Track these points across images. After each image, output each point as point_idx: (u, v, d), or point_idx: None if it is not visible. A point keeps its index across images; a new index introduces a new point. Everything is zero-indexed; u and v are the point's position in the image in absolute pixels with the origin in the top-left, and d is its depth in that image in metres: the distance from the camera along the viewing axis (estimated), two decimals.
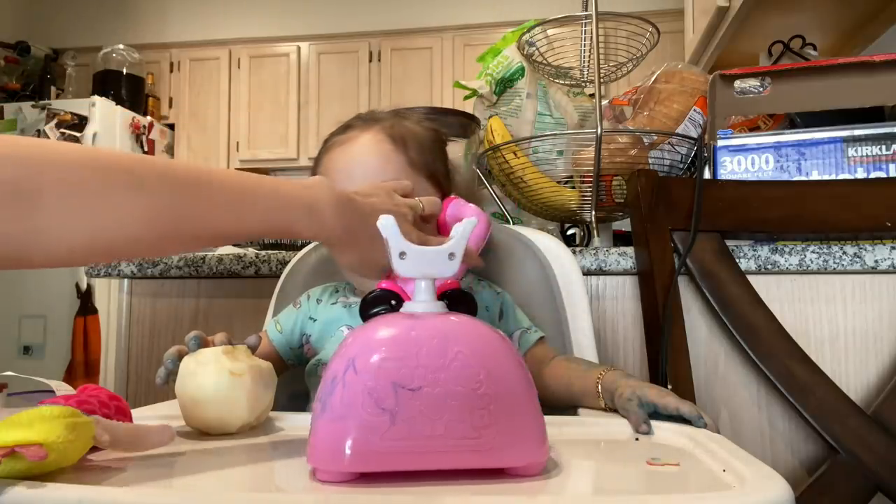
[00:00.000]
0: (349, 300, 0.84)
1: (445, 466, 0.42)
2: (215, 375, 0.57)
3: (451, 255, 0.49)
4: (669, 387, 0.95)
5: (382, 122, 0.84)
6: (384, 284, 0.57)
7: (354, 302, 0.83)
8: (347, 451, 0.41)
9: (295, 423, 0.62)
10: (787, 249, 1.01)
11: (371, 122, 0.84)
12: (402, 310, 0.49)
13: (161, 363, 0.64)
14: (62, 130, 3.44)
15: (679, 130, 1.18)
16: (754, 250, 1.02)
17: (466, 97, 1.48)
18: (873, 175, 1.05)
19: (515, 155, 1.23)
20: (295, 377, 0.85)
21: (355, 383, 0.42)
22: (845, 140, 1.07)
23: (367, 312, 0.58)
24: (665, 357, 0.96)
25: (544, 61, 1.32)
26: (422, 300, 0.48)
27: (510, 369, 0.45)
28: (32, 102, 3.53)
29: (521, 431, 0.44)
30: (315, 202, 0.60)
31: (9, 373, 0.67)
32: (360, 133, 0.83)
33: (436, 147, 0.87)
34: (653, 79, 1.25)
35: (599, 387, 0.68)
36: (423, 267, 0.48)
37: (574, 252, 1.00)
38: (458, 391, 0.42)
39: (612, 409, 0.66)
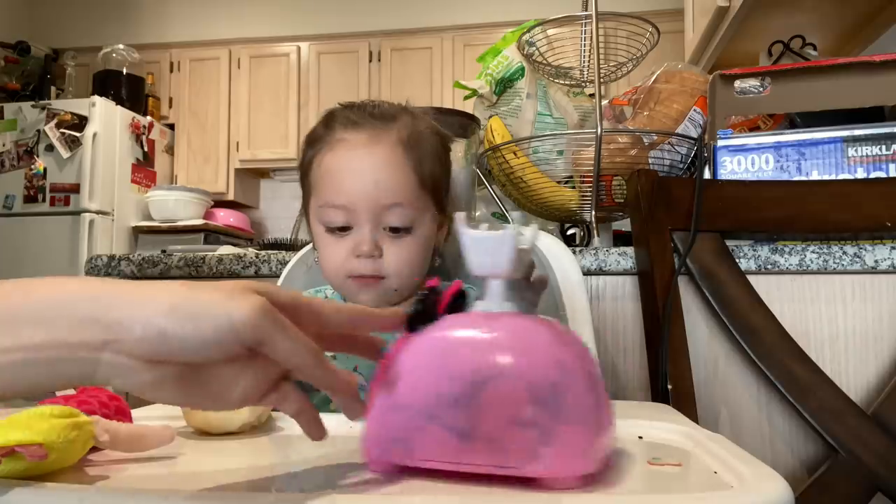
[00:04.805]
0: None
1: None
2: None
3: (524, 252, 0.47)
4: (670, 387, 0.95)
5: (397, 126, 0.78)
6: (432, 283, 0.49)
7: None
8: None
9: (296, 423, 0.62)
10: (787, 249, 1.01)
11: (385, 124, 0.78)
12: (475, 309, 0.47)
13: None
14: (62, 130, 3.45)
15: (679, 130, 1.18)
16: (754, 250, 1.02)
17: (466, 97, 1.48)
18: (873, 175, 1.05)
19: (515, 155, 1.23)
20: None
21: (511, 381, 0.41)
22: (845, 140, 1.07)
23: (428, 319, 0.46)
24: (665, 357, 0.96)
25: (544, 61, 1.32)
26: (499, 300, 0.46)
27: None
28: (32, 102, 3.54)
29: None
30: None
31: None
32: (374, 139, 0.77)
33: (444, 157, 0.83)
34: (653, 79, 1.25)
35: None
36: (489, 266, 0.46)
37: (574, 252, 1.00)
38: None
39: None
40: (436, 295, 0.46)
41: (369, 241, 0.76)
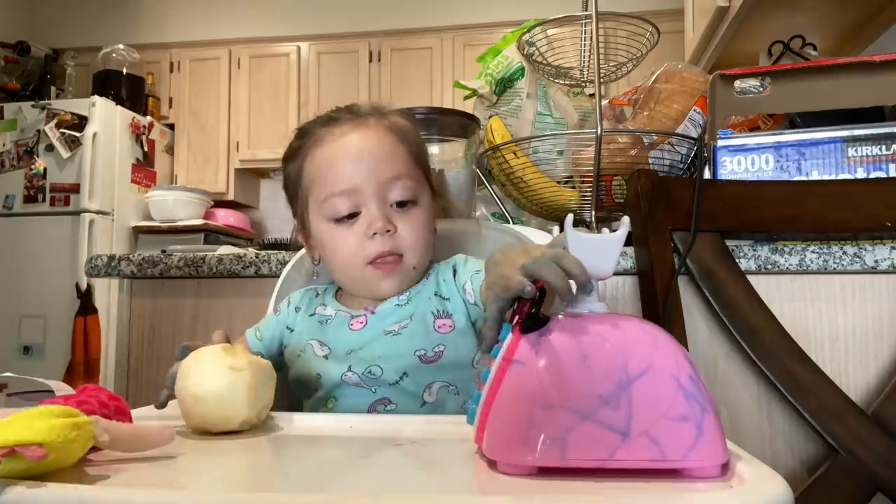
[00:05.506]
0: (326, 311, 0.82)
1: None
2: (214, 371, 0.57)
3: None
4: None
5: (375, 116, 0.81)
6: (541, 284, 0.49)
7: (330, 316, 0.82)
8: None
9: (300, 423, 0.62)
10: (787, 249, 1.01)
11: (363, 116, 0.81)
12: (575, 309, 0.47)
13: (160, 365, 0.64)
14: (62, 130, 3.44)
15: (679, 130, 1.18)
16: (754, 250, 1.02)
17: (466, 97, 1.48)
18: (873, 175, 1.05)
19: (515, 155, 1.23)
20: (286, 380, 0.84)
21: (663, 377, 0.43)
22: (845, 140, 1.07)
23: (539, 320, 0.46)
24: None
25: (544, 61, 1.32)
26: (593, 300, 0.47)
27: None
28: (32, 102, 3.53)
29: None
30: None
31: (9, 373, 0.67)
32: (357, 125, 0.79)
33: (424, 147, 0.86)
34: (653, 79, 1.25)
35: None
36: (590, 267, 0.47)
37: None
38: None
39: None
40: (544, 296, 0.46)
41: (381, 217, 0.76)
